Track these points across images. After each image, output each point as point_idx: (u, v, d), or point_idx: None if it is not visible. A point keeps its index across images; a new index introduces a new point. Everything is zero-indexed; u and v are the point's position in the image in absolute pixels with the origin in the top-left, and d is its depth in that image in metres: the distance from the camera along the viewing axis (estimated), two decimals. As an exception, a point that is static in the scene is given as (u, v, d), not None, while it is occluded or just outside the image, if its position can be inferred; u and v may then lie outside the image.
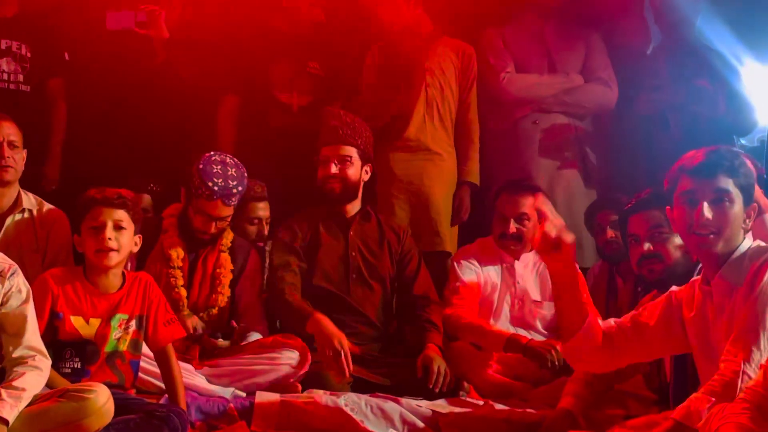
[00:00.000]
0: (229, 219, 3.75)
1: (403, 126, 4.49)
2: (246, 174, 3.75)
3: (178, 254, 3.72)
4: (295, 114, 4.57)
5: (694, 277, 2.92)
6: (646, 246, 3.25)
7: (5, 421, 2.65)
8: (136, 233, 3.25)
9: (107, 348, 3.17)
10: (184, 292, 3.70)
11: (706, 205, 2.70)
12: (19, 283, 2.87)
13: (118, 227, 3.17)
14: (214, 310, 3.75)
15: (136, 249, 3.29)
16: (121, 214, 3.19)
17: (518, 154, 4.67)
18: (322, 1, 4.70)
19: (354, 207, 4.00)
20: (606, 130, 4.80)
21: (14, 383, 2.75)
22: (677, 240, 3.17)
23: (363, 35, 4.69)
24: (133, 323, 3.21)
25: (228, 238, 3.83)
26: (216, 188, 3.63)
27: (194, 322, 3.64)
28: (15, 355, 2.82)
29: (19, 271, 2.90)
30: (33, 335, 2.87)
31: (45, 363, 2.87)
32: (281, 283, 3.79)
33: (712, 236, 2.71)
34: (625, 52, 4.85)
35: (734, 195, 2.71)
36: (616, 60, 4.78)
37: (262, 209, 4.22)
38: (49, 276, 3.18)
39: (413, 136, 4.50)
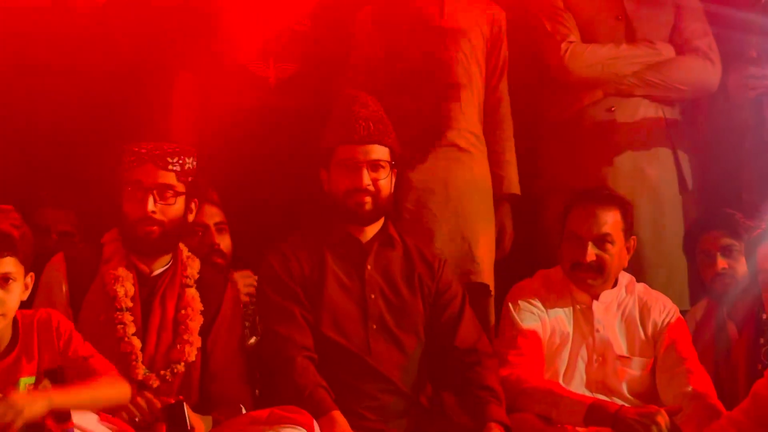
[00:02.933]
0: (174, 198, 3.76)
1: None
2: (195, 159, 3.82)
3: (126, 291, 3.71)
4: (272, 89, 4.66)
5: None
6: None
7: None
8: (26, 273, 3.28)
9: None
10: (137, 343, 3.67)
11: None
12: None
13: (3, 282, 3.20)
14: (180, 367, 3.72)
15: (27, 293, 3.30)
16: (8, 264, 3.21)
17: (587, 153, 4.73)
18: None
19: (372, 228, 3.97)
20: (707, 119, 4.88)
21: None
22: None
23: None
24: (45, 383, 3.21)
25: (193, 267, 3.85)
26: (143, 151, 3.74)
27: (139, 403, 3.55)
28: None
29: None
30: None
31: None
32: (288, 348, 3.75)
33: None
34: (726, 15, 4.85)
35: None
36: (717, 23, 4.82)
37: (208, 213, 4.28)
38: None
39: None
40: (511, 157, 4.70)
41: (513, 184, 4.67)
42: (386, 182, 3.93)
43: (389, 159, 3.93)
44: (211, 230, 4.27)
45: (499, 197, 4.68)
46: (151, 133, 4.01)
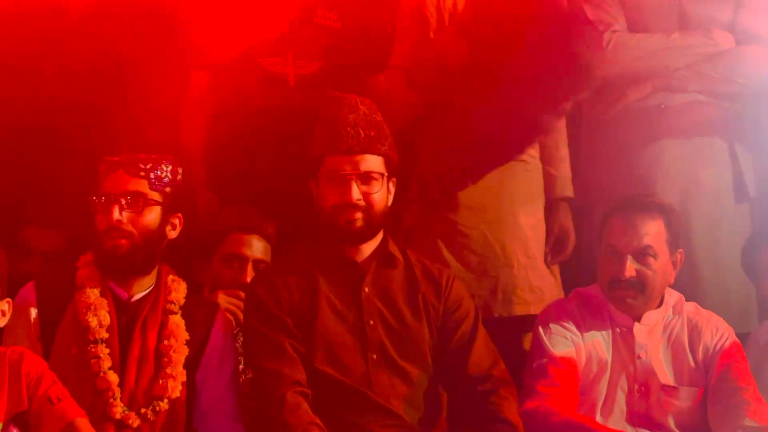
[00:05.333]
0: (143, 207, 3.73)
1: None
2: (178, 169, 3.83)
3: (100, 321, 3.67)
4: (291, 88, 4.63)
5: None
6: None
7: None
8: (2, 298, 3.31)
9: None
10: (114, 378, 3.63)
11: None
12: None
13: None
14: (163, 404, 3.67)
15: (5, 321, 3.36)
16: None
17: (634, 156, 4.65)
18: None
19: (369, 246, 3.90)
20: (768, 117, 4.73)
21: None
22: None
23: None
24: (12, 430, 3.26)
25: (178, 291, 3.82)
26: (117, 159, 3.76)
27: None
28: None
29: None
30: None
31: None
32: (278, 384, 3.68)
33: None
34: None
35: None
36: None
37: (247, 244, 4.24)
38: None
39: None
40: (564, 154, 4.75)
41: (566, 184, 4.72)
42: (380, 195, 3.86)
43: (383, 170, 3.86)
44: (248, 266, 4.24)
45: (556, 200, 4.72)
46: (152, 143, 4.05)
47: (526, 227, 4.57)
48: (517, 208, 4.57)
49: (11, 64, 4.54)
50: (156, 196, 3.74)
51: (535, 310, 4.42)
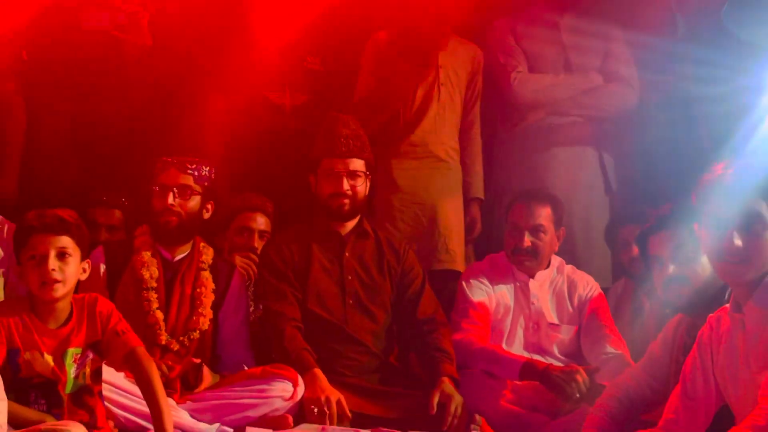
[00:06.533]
0: (190, 196, 3.74)
1: (411, 128, 4.49)
2: (213, 169, 3.82)
3: (151, 274, 3.71)
4: (287, 115, 4.61)
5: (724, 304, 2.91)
6: (671, 269, 3.17)
7: None
8: (83, 258, 3.17)
9: (68, 389, 3.09)
10: (160, 315, 3.67)
11: (735, 233, 2.70)
12: None
13: (61, 255, 3.08)
14: (195, 334, 3.71)
15: (84, 276, 3.20)
16: (65, 241, 3.09)
17: (531, 161, 4.65)
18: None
19: (350, 224, 3.93)
20: (627, 133, 4.76)
21: None
22: (705, 259, 3.09)
23: (370, 23, 4.65)
24: (89, 353, 3.15)
25: (207, 254, 3.82)
26: (170, 160, 3.77)
27: (161, 366, 3.51)
28: None
29: None
30: None
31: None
32: (280, 320, 3.72)
33: (742, 264, 2.71)
34: (648, 45, 4.71)
35: (767, 219, 2.70)
36: (638, 55, 4.73)
37: (253, 219, 4.22)
38: None
39: (419, 140, 4.50)
40: (479, 168, 4.67)
41: (479, 189, 4.65)
42: (362, 188, 3.88)
43: (365, 169, 3.88)
44: (254, 235, 4.20)
45: (471, 199, 4.64)
46: (185, 147, 4.05)
47: (447, 210, 4.50)
48: (441, 196, 4.50)
49: (95, 83, 4.49)
50: (198, 188, 3.77)
51: (450, 267, 4.46)
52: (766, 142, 4.43)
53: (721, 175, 2.74)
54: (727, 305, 2.85)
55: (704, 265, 3.10)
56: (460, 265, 4.47)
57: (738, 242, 2.68)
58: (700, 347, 2.88)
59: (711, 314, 2.89)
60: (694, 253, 3.11)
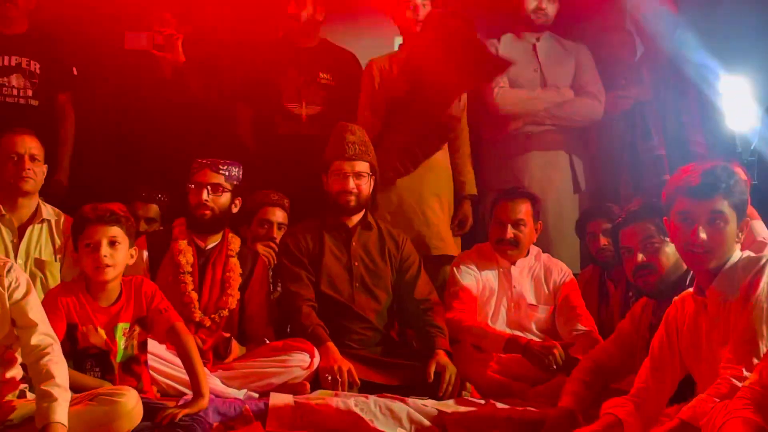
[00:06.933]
0: (221, 193, 3.78)
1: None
2: (241, 170, 3.86)
3: (187, 260, 3.76)
4: (303, 123, 4.62)
5: (687, 289, 2.98)
6: (640, 257, 3.21)
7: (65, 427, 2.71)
8: (131, 246, 3.26)
9: (119, 358, 3.20)
10: (195, 296, 3.72)
11: (701, 227, 2.75)
12: (17, 277, 2.87)
13: (112, 243, 3.18)
14: (225, 312, 3.75)
15: (132, 261, 3.30)
16: (115, 231, 3.19)
17: (511, 163, 4.72)
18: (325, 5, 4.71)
19: (356, 217, 3.96)
20: (593, 140, 4.86)
21: (58, 381, 2.76)
22: (669, 249, 3.17)
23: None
24: (136, 327, 3.25)
25: (235, 243, 3.86)
26: (204, 161, 3.80)
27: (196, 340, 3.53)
28: (33, 342, 2.81)
29: (15, 265, 2.92)
30: (44, 323, 2.88)
31: (60, 352, 2.87)
32: (297, 299, 3.78)
33: (706, 254, 2.77)
34: (612, 63, 4.91)
35: (729, 216, 2.76)
36: (604, 72, 4.82)
37: (273, 213, 4.22)
38: (57, 289, 3.24)
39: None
40: (470, 168, 4.67)
41: (472, 186, 4.66)
42: (366, 186, 3.93)
43: (369, 171, 3.93)
44: (274, 227, 4.21)
45: (463, 197, 4.65)
46: (216, 150, 4.08)
47: (438, 204, 4.51)
48: (432, 192, 4.50)
49: (136, 95, 4.58)
50: (228, 186, 3.80)
51: (444, 252, 4.44)
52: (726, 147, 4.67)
53: (688, 176, 2.81)
54: (690, 289, 2.91)
55: (668, 255, 3.18)
56: (453, 250, 4.47)
57: (703, 235, 2.74)
58: (666, 325, 2.92)
59: (676, 297, 2.96)
60: (659, 244, 3.19)
